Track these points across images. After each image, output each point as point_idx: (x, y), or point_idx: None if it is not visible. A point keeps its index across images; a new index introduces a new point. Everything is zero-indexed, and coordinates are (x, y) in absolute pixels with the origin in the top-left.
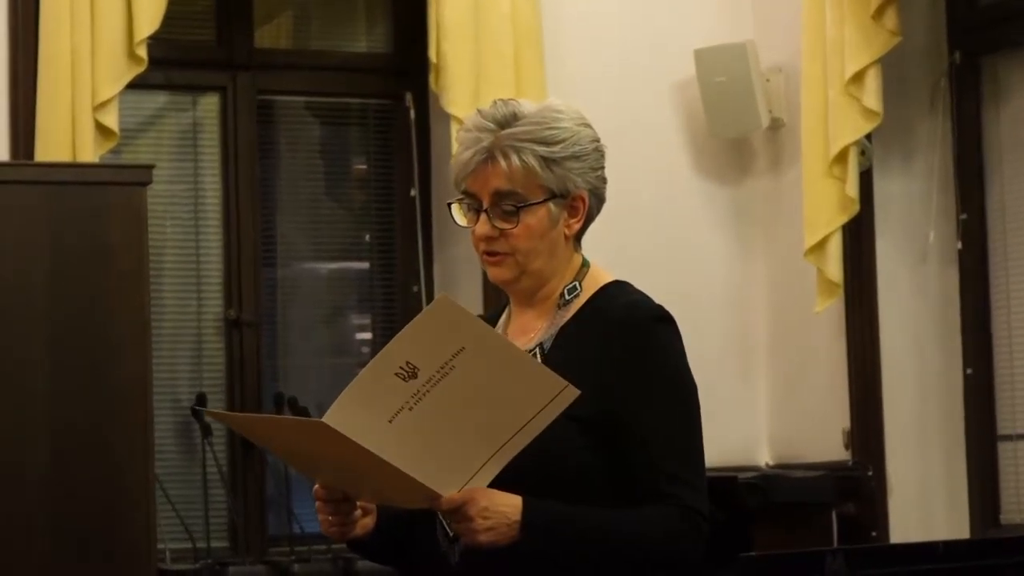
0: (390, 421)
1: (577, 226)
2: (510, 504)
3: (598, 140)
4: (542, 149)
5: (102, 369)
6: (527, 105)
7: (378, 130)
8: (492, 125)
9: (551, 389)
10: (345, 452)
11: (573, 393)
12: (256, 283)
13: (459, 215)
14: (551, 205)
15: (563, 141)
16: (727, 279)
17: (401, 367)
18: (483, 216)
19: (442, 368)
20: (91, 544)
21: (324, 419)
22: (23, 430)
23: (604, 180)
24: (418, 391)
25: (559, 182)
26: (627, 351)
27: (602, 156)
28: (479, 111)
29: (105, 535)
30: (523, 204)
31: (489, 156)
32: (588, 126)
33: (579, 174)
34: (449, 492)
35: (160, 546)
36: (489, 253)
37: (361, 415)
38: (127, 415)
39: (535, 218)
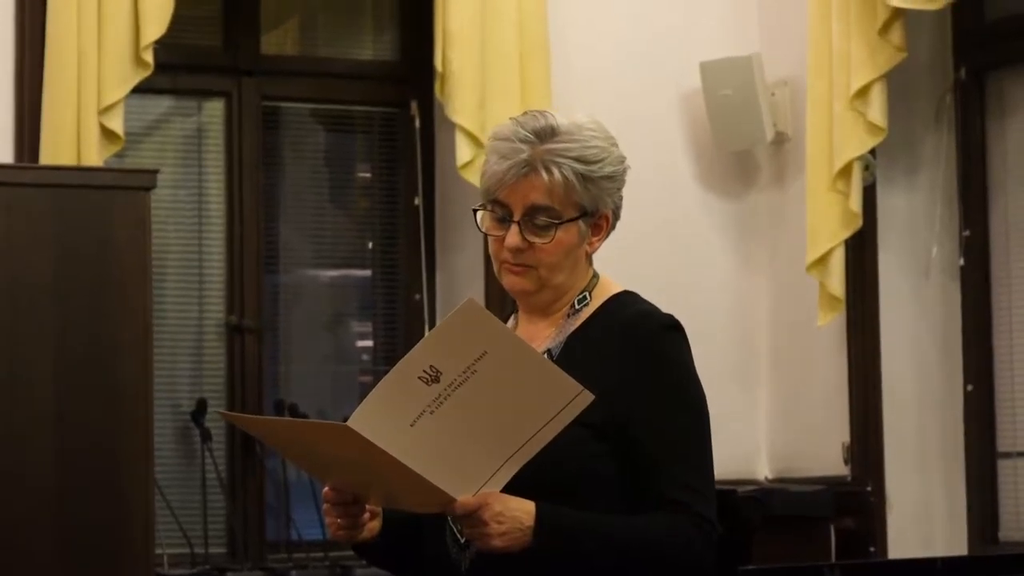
0: (412, 425)
1: (599, 244)
2: (524, 509)
3: (624, 159)
4: (582, 167)
5: (103, 372)
6: (561, 119)
7: (383, 138)
8: (532, 137)
9: (566, 394)
10: (365, 456)
11: (587, 398)
12: (258, 289)
13: (484, 222)
14: (581, 223)
15: (601, 160)
16: (729, 292)
17: (425, 371)
18: (515, 227)
19: (464, 372)
20: (90, 547)
21: (349, 423)
22: (25, 432)
23: (622, 199)
24: (440, 395)
25: (592, 200)
26: (638, 359)
27: (625, 176)
28: (515, 120)
29: (104, 539)
30: (559, 220)
31: (531, 169)
32: (616, 145)
33: (609, 194)
34: (463, 497)
35: (158, 551)
36: (512, 264)
37: (384, 419)
38: (127, 419)
39: (567, 235)
